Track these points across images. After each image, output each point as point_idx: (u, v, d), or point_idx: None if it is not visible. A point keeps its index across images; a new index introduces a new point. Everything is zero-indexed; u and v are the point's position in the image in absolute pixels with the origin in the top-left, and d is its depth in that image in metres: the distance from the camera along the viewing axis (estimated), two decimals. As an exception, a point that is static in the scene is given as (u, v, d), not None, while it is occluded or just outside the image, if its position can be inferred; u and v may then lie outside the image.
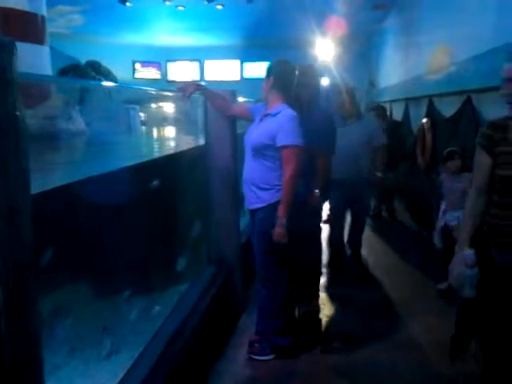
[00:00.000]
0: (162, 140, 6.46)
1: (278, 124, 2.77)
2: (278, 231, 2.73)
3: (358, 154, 4.38)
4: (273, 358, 2.95)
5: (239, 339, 3.16)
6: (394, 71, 8.99)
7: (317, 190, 3.32)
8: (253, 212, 2.93)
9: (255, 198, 2.87)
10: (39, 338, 1.15)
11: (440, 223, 3.90)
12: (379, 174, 4.63)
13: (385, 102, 8.85)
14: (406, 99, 7.25)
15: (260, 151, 2.82)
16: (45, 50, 5.72)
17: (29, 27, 5.53)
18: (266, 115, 2.87)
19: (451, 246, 2.31)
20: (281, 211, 2.73)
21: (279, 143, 2.74)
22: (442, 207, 3.95)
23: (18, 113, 1.06)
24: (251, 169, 2.90)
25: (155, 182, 2.97)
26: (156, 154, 3.74)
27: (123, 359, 2.30)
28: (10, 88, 1.05)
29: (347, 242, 4.85)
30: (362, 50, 11.68)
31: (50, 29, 6.30)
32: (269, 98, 2.92)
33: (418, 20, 6.88)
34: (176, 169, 3.55)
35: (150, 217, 3.10)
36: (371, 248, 5.17)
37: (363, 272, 4.57)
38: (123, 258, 2.78)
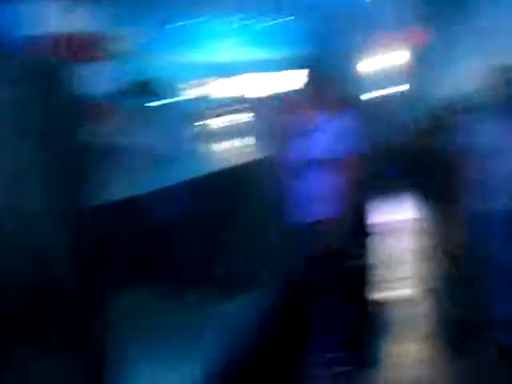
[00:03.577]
0: (220, 154, 6.56)
1: (327, 137, 2.75)
2: (329, 245, 2.69)
3: None
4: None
5: (307, 356, 3.08)
6: (444, 83, 8.72)
7: None
8: (313, 226, 2.90)
9: (313, 211, 2.85)
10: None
11: None
12: None
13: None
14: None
15: (314, 164, 2.80)
16: (107, 69, 5.96)
17: (92, 48, 5.79)
18: (316, 129, 2.86)
19: None
20: (332, 224, 2.66)
21: (332, 155, 2.71)
22: None
23: (79, 129, 1.09)
24: (309, 182, 2.88)
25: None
26: (216, 168, 3.79)
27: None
28: (71, 106, 1.08)
29: None
30: (410, 61, 11.39)
31: (112, 48, 6.57)
32: (311, 112, 2.90)
33: (460, 36, 6.67)
34: (241, 181, 3.57)
35: (214, 228, 3.13)
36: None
37: None
38: (189, 267, 2.82)
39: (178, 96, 11.44)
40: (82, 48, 5.93)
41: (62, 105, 1.06)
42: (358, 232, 2.90)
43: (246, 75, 13.82)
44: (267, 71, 13.53)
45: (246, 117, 3.40)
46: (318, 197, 2.83)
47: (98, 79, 5.58)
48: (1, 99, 0.95)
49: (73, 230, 1.05)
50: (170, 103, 4.13)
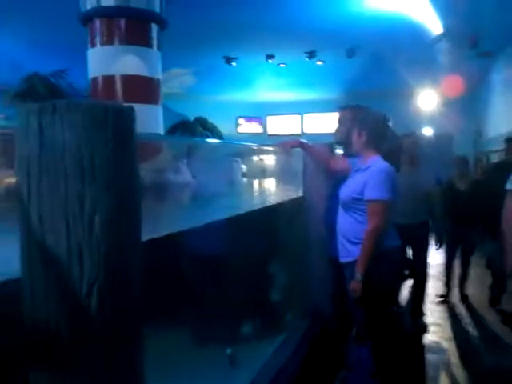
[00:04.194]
0: (261, 192, 6.66)
1: (366, 177, 2.76)
2: (354, 286, 2.69)
3: None
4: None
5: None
6: (503, 120, 8.56)
7: None
8: (344, 266, 2.89)
9: (345, 252, 2.85)
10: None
11: None
12: None
13: (494, 151, 8.41)
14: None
15: (349, 205, 2.82)
16: (158, 109, 6.28)
17: (146, 90, 6.13)
18: (358, 170, 2.88)
19: None
20: (359, 265, 2.69)
21: (366, 197, 2.72)
22: None
23: (136, 170, 1.20)
24: (342, 222, 2.90)
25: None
26: (256, 206, 3.88)
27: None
28: (131, 149, 1.19)
29: None
30: (467, 99, 11.30)
31: (164, 89, 6.91)
32: (362, 153, 2.92)
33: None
34: (274, 220, 3.63)
35: (249, 266, 3.17)
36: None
37: None
38: (221, 308, 2.84)
39: (222, 134, 11.78)
40: (134, 89, 6.27)
41: (126, 148, 1.17)
42: (392, 274, 2.86)
43: (293, 115, 14.10)
44: (314, 111, 13.76)
45: (289, 155, 3.50)
46: (350, 237, 2.82)
47: (149, 120, 5.88)
48: (70, 146, 1.05)
49: (127, 268, 1.14)
50: (216, 141, 4.30)
